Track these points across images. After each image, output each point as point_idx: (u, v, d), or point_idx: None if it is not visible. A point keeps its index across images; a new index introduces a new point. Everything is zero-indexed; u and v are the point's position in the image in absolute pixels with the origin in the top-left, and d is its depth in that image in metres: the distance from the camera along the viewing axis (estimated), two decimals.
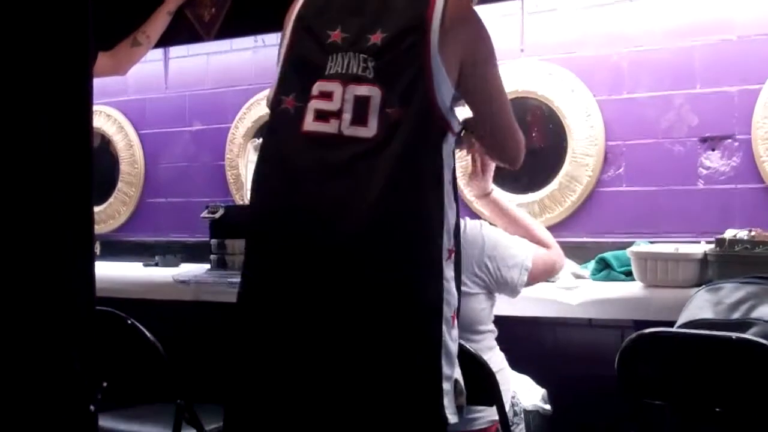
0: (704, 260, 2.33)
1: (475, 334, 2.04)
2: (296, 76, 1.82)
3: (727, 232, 2.34)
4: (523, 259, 2.11)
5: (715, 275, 2.24)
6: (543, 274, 2.23)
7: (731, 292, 1.98)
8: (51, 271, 1.03)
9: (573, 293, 2.44)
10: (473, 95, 1.84)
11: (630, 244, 2.55)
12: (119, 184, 3.84)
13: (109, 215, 3.85)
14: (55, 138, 1.01)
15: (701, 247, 2.38)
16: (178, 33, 3.33)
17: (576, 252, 2.78)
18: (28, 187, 0.98)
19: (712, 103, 2.69)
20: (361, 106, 1.73)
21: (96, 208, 3.85)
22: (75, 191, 1.05)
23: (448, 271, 1.75)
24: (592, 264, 2.63)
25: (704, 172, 2.70)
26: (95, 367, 1.03)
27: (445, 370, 1.71)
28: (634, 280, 2.43)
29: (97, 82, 3.46)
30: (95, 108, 3.82)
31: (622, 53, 2.83)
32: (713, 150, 2.69)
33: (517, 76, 2.97)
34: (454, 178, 1.82)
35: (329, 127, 1.75)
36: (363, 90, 1.74)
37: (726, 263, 2.26)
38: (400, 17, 1.75)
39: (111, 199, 3.85)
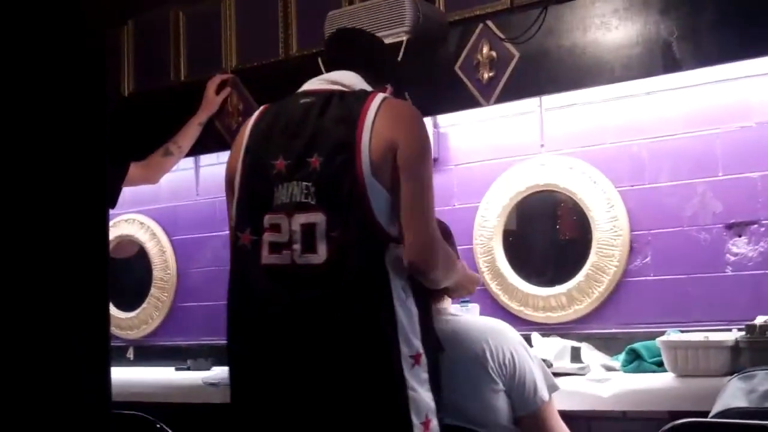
0: (736, 348, 2.29)
1: (504, 430, 2.00)
2: (249, 210, 1.88)
3: (757, 319, 2.31)
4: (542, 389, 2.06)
5: (747, 363, 2.20)
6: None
7: (764, 379, 1.95)
8: (64, 374, 1.05)
9: (604, 385, 2.40)
10: (399, 185, 1.82)
11: (660, 333, 2.52)
12: (152, 290, 3.89)
13: (142, 320, 3.89)
14: (71, 239, 1.04)
15: (732, 335, 2.34)
16: (208, 142, 3.44)
17: (606, 343, 2.76)
18: (44, 287, 1.01)
19: (736, 189, 2.69)
20: (308, 233, 1.79)
21: (129, 314, 3.90)
22: (90, 290, 1.07)
23: (414, 379, 1.77)
24: (622, 355, 2.59)
25: (732, 258, 2.68)
26: None
27: None
28: (665, 370, 2.39)
29: (130, 192, 3.56)
30: (130, 216, 3.92)
31: (641, 143, 2.85)
32: (740, 236, 2.68)
33: (538, 171, 3.00)
34: (410, 281, 1.84)
35: (283, 259, 1.81)
36: (308, 218, 1.79)
37: (758, 350, 2.23)
38: (332, 136, 1.81)
39: (144, 305, 3.89)
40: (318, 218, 1.78)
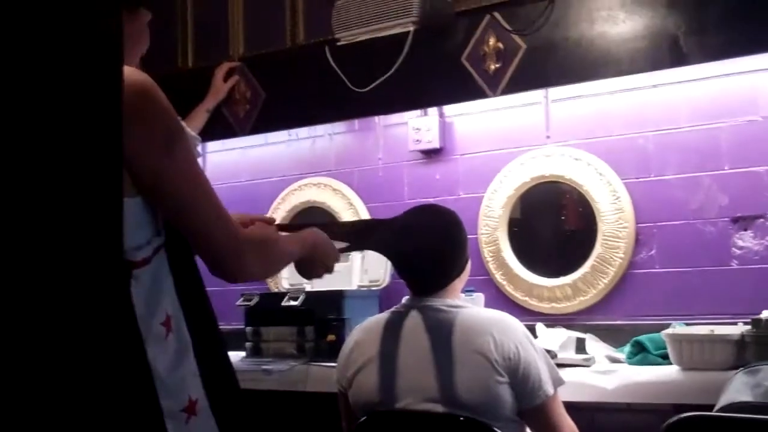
0: (741, 342, 2.30)
1: (509, 422, 2.02)
2: None
3: (763, 313, 2.32)
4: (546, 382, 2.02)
5: (752, 357, 2.21)
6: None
7: None
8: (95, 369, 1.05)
9: (609, 377, 2.42)
10: (158, 195, 1.39)
11: (665, 326, 2.54)
12: None
13: None
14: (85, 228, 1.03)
15: (738, 329, 2.35)
16: (215, 129, 3.45)
17: (611, 335, 2.77)
18: (60, 273, 1.00)
19: (742, 182, 2.70)
20: None
21: None
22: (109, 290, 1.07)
23: None
24: (627, 347, 2.61)
25: (737, 252, 2.69)
26: None
27: None
28: (670, 363, 2.41)
29: None
30: None
31: (648, 136, 2.86)
32: (746, 230, 2.69)
33: (543, 162, 3.01)
34: (185, 306, 1.44)
35: None
36: None
37: (763, 344, 2.24)
38: None
39: None
40: None
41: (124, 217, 1.19)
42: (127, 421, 1.23)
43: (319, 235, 1.75)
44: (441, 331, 2.04)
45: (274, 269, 1.66)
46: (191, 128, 3.37)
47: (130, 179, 1.34)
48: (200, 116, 3.38)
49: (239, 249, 1.47)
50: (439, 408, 1.97)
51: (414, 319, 2.08)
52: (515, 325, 2.08)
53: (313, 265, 1.74)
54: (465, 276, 2.21)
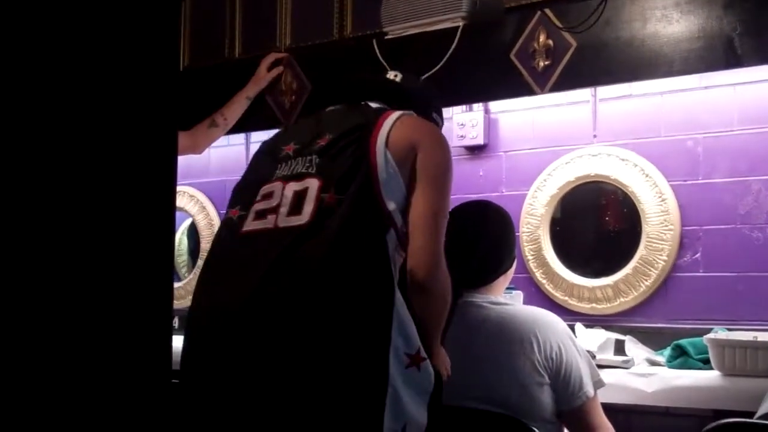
0: None
1: (546, 423, 2.01)
2: (243, 189, 1.79)
3: None
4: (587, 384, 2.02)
5: None
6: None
7: None
8: (129, 344, 1.08)
9: (648, 380, 2.40)
10: (413, 193, 1.71)
11: (706, 330, 2.51)
12: (199, 261, 3.95)
13: (188, 291, 3.95)
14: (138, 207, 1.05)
15: None
16: (260, 119, 3.46)
17: (651, 338, 2.75)
18: (111, 261, 1.02)
19: None
20: (298, 197, 1.66)
21: (177, 284, 3.97)
22: (156, 267, 1.10)
23: (403, 379, 1.56)
24: (667, 351, 2.58)
25: None
26: None
27: None
28: (711, 368, 2.38)
29: (181, 164, 3.62)
30: (180, 188, 3.97)
31: (697, 138, 2.83)
32: None
33: (589, 161, 2.99)
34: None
35: (265, 223, 1.67)
36: (302, 184, 1.67)
37: None
38: (349, 121, 1.75)
39: (190, 276, 3.96)
40: (311, 183, 1.66)
41: (395, 186, 1.67)
42: (361, 334, 1.53)
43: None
44: (482, 328, 2.03)
45: (441, 309, 1.75)
46: (230, 115, 3.38)
47: (409, 170, 1.70)
48: (240, 103, 3.38)
49: (442, 260, 1.71)
50: (476, 405, 1.96)
51: (455, 315, 2.08)
52: (558, 324, 2.06)
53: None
54: (510, 274, 2.19)
